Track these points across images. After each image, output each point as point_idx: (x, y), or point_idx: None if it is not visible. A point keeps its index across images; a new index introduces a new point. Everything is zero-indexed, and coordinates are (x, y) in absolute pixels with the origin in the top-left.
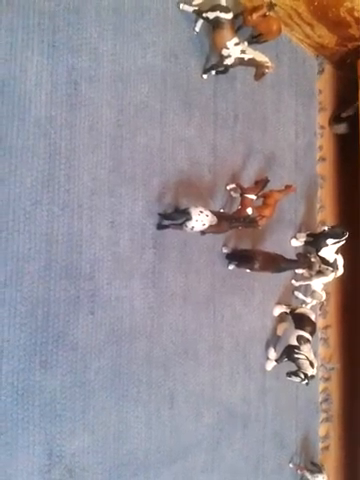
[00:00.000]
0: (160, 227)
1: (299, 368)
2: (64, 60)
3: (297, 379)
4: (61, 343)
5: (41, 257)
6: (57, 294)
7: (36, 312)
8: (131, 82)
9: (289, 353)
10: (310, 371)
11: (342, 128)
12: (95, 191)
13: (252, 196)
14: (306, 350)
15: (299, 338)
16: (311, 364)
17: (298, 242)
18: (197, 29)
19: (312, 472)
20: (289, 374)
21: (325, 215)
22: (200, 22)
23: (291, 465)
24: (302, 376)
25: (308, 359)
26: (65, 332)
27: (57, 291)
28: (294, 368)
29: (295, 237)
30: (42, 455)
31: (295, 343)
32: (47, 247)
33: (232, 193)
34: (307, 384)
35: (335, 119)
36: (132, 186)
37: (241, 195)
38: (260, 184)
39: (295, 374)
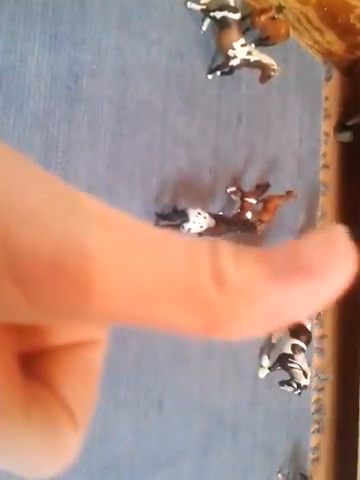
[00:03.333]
0: None
1: (292, 377)
2: (66, 53)
3: (290, 389)
4: None
5: None
6: None
7: None
8: (134, 79)
9: (283, 362)
10: (303, 381)
11: (347, 136)
12: (92, 187)
13: (252, 200)
14: (300, 359)
15: (294, 347)
16: (304, 374)
17: None
18: (204, 28)
19: None
20: (282, 383)
21: (326, 223)
22: (207, 21)
23: (279, 476)
24: (295, 386)
25: (302, 369)
26: None
27: None
28: (287, 377)
29: None
30: None
31: (289, 352)
32: None
33: (232, 196)
34: (300, 394)
35: (340, 127)
36: (130, 184)
37: (241, 199)
38: (261, 188)
39: (288, 383)
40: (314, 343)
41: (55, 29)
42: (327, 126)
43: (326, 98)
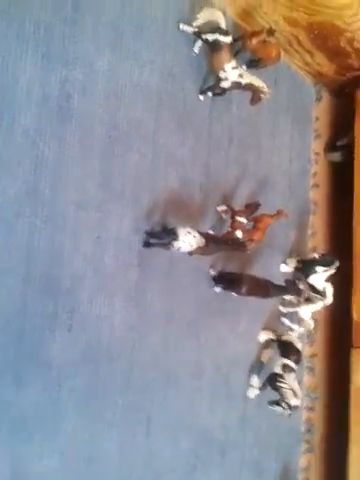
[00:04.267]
0: (146, 245)
1: (282, 397)
2: (58, 72)
3: (279, 409)
4: (35, 360)
5: (20, 270)
6: (34, 309)
7: (11, 326)
8: (126, 99)
9: (272, 381)
10: (293, 401)
11: (337, 156)
12: (81, 205)
13: (242, 219)
14: (290, 379)
15: (284, 366)
16: (295, 394)
17: (287, 268)
18: (196, 50)
19: None
20: (271, 403)
21: (316, 242)
22: (199, 43)
23: None
24: (285, 406)
25: (292, 389)
26: (40, 349)
27: (35, 306)
28: (277, 397)
29: (285, 263)
30: (7, 473)
31: (279, 372)
32: (27, 260)
33: (222, 215)
34: (290, 415)
35: (330, 147)
36: (120, 202)
37: (231, 217)
38: (251, 207)
39: (277, 403)
40: (304, 362)
41: (47, 48)
42: (317, 146)
43: (317, 118)
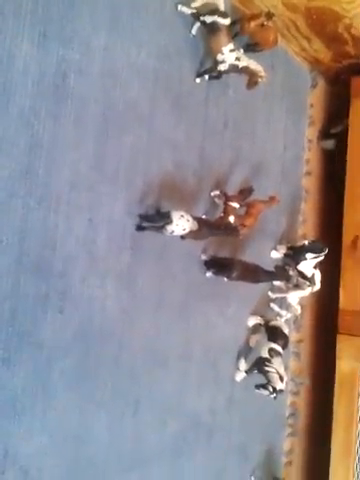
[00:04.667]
0: (139, 228)
1: (268, 381)
2: (54, 51)
3: (265, 392)
4: (26, 340)
5: (13, 251)
6: (26, 290)
7: (2, 307)
8: (122, 79)
9: (259, 365)
10: (279, 385)
11: (330, 144)
12: (75, 186)
13: (235, 204)
14: (277, 364)
15: (271, 351)
16: (281, 378)
17: (278, 254)
18: (194, 32)
19: None
20: (258, 387)
21: (307, 229)
22: (197, 25)
23: (252, 478)
24: (271, 389)
25: (278, 373)
26: (31, 329)
27: (26, 287)
28: (263, 381)
29: (275, 249)
30: None
31: (266, 356)
32: (20, 241)
33: (216, 200)
34: (275, 398)
35: (324, 134)
36: (114, 184)
37: (224, 203)
38: (244, 193)
39: (264, 387)
40: (291, 347)
41: (44, 27)
42: (311, 133)
43: (311, 105)
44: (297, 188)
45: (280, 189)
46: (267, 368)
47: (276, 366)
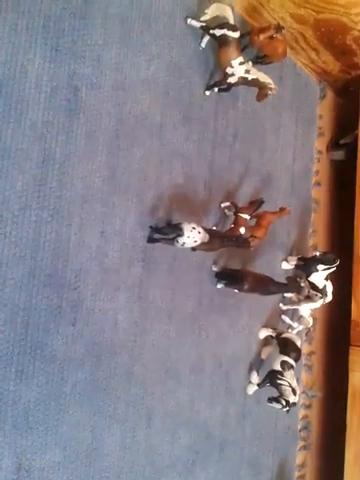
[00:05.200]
0: (151, 240)
1: (281, 394)
2: (66, 65)
3: (278, 406)
4: (39, 353)
5: (25, 263)
6: (39, 302)
7: (15, 320)
8: (133, 92)
9: (272, 378)
10: (292, 398)
11: (339, 155)
12: (87, 199)
13: (246, 216)
14: (289, 376)
15: (283, 364)
16: (293, 391)
17: (289, 265)
18: (203, 45)
19: None
20: (270, 400)
21: (317, 240)
22: (206, 38)
23: None
24: (283, 403)
25: (291, 386)
26: (44, 342)
27: (39, 299)
28: (276, 394)
29: (286, 260)
30: (10, 468)
31: (279, 368)
32: (32, 253)
33: (226, 211)
34: (288, 411)
35: (333, 145)
36: (125, 197)
37: (235, 214)
38: (255, 204)
39: (276, 400)
40: (302, 360)
41: (56, 41)
42: (320, 144)
43: (320, 117)
44: (307, 199)
45: (290, 200)
46: (280, 381)
47: (289, 379)
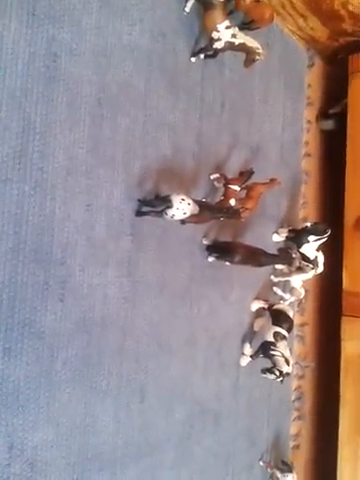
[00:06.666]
0: (139, 214)
1: (274, 365)
2: (44, 30)
3: (272, 376)
4: (27, 330)
5: (9, 238)
6: (25, 279)
7: (1, 297)
8: (115, 59)
9: (265, 349)
10: (285, 368)
11: (329, 124)
12: (71, 171)
13: (236, 187)
14: (282, 347)
15: (276, 334)
16: (287, 361)
17: (279, 237)
18: (187, 9)
19: (282, 471)
20: (264, 371)
21: (308, 211)
22: (191, 2)
23: (261, 463)
24: (277, 373)
25: (284, 356)
26: (32, 319)
27: (25, 276)
28: (269, 365)
29: (277, 232)
30: (2, 448)
31: (271, 339)
32: (16, 228)
33: (215, 183)
34: (282, 382)
35: (322, 115)
36: (111, 168)
37: (224, 185)
38: (244, 175)
39: (270, 371)
40: (295, 331)
41: (33, 5)
42: (309, 114)
43: (309, 85)
44: (297, 170)
45: (280, 171)
46: (273, 352)
47: (282, 350)
